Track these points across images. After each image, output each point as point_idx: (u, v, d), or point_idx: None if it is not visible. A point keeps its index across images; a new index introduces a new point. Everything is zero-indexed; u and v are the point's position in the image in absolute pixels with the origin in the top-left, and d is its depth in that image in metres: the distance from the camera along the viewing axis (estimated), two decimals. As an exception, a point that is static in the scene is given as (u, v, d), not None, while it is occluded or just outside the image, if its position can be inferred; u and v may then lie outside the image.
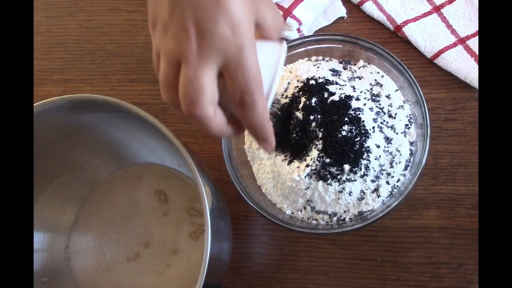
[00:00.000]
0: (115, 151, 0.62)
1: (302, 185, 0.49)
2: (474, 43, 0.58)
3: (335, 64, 0.55)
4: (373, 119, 0.51)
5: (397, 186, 0.51)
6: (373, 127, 0.50)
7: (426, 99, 0.51)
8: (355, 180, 0.49)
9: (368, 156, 0.49)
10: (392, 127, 0.51)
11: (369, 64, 0.55)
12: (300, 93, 0.51)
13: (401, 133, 0.52)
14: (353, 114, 0.49)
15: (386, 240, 0.57)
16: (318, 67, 0.54)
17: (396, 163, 0.51)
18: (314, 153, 0.49)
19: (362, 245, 0.57)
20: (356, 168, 0.49)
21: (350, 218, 0.51)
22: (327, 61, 0.56)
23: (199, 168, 0.46)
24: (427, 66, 0.59)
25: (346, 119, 0.49)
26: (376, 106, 0.52)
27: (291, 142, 0.50)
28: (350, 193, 0.50)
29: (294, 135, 0.50)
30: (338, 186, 0.49)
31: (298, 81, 0.52)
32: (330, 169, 0.49)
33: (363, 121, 0.49)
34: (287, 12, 0.59)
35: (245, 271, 0.59)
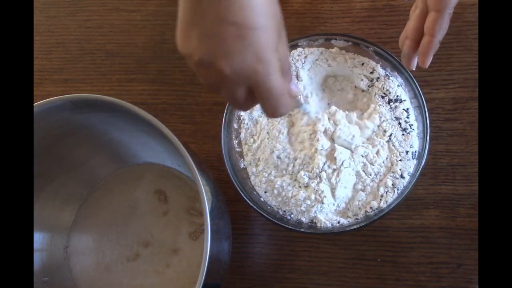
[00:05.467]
0: (115, 151, 0.62)
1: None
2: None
3: None
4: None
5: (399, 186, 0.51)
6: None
7: (426, 99, 0.51)
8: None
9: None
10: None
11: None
12: None
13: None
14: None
15: (386, 240, 0.57)
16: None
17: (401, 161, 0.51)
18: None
19: (361, 245, 0.57)
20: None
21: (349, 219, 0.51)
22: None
23: (199, 168, 0.46)
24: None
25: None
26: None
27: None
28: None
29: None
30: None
31: None
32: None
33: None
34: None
35: (245, 271, 0.59)
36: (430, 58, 0.49)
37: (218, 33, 0.35)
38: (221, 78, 0.36)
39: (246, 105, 0.41)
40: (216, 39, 0.35)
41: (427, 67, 0.50)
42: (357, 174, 0.51)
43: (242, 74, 0.36)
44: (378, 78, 0.54)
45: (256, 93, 0.38)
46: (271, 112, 0.40)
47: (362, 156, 0.51)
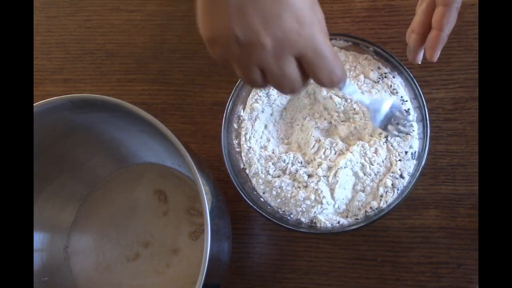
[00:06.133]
0: (115, 151, 0.62)
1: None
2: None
3: None
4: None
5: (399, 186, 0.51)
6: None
7: (426, 99, 0.51)
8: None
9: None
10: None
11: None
12: None
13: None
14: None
15: (386, 240, 0.57)
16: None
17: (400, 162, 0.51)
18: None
19: (361, 245, 0.57)
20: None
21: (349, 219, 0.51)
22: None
23: (198, 168, 0.46)
24: (427, 66, 0.59)
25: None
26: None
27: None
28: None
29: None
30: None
31: None
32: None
33: None
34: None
35: (244, 271, 0.59)
36: (439, 52, 0.49)
37: (251, 2, 0.33)
38: (263, 53, 0.34)
39: (298, 81, 0.37)
40: (250, 9, 0.33)
41: (435, 60, 0.49)
42: (356, 175, 0.51)
43: (286, 42, 0.34)
44: (386, 74, 0.53)
45: (305, 62, 0.36)
46: (329, 77, 0.37)
47: (360, 156, 0.51)
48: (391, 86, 0.53)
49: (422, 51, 0.51)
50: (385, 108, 0.48)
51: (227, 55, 0.36)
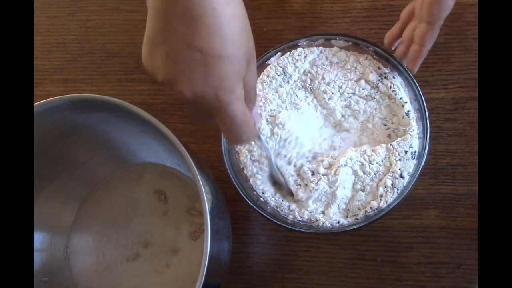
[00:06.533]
0: (115, 151, 0.62)
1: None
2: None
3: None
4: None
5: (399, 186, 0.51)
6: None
7: (426, 99, 0.51)
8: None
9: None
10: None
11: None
12: None
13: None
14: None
15: (386, 240, 0.57)
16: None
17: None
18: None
19: (361, 245, 0.57)
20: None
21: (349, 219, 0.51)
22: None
23: (198, 168, 0.46)
24: (427, 66, 0.59)
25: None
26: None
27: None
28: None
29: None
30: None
31: None
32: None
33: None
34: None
35: (245, 271, 0.59)
36: (419, 65, 0.52)
37: (183, 57, 0.34)
38: (182, 99, 0.36)
39: (209, 124, 0.40)
40: (180, 63, 0.35)
41: (415, 72, 0.52)
42: (355, 173, 0.51)
43: (204, 100, 0.36)
44: (386, 74, 0.53)
45: (218, 119, 0.38)
46: (233, 139, 0.39)
47: (360, 154, 0.51)
48: (390, 87, 0.53)
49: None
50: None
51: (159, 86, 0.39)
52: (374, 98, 0.54)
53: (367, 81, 0.54)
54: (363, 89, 0.53)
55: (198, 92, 0.35)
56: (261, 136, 0.51)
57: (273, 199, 0.53)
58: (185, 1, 0.33)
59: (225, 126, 0.38)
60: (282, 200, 0.53)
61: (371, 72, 0.53)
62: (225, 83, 0.35)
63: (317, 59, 0.55)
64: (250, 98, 0.39)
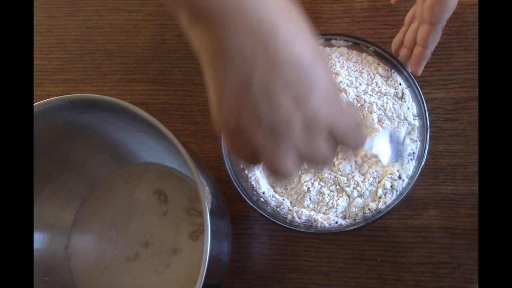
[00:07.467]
0: (115, 151, 0.62)
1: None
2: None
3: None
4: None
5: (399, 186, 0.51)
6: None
7: (426, 99, 0.51)
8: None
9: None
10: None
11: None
12: None
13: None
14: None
15: (386, 240, 0.57)
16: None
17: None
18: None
19: (362, 245, 0.57)
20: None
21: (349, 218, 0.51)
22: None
23: (198, 168, 0.46)
24: (427, 66, 0.59)
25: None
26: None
27: None
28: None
29: None
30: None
31: None
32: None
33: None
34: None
35: (245, 271, 0.59)
36: (422, 67, 0.52)
37: (279, 84, 0.31)
38: (293, 136, 0.33)
39: (331, 153, 0.36)
40: (279, 90, 0.31)
41: (419, 75, 0.52)
42: (354, 174, 0.51)
43: (318, 122, 0.33)
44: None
45: (335, 134, 0.35)
46: (356, 144, 0.37)
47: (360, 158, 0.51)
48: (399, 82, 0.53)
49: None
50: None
51: (251, 145, 0.34)
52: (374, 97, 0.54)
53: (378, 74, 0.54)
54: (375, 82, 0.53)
55: (322, 109, 0.33)
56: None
57: (273, 199, 0.53)
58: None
59: (345, 135, 0.36)
60: (283, 200, 0.53)
61: (379, 65, 0.53)
62: (329, 95, 0.34)
63: None
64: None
